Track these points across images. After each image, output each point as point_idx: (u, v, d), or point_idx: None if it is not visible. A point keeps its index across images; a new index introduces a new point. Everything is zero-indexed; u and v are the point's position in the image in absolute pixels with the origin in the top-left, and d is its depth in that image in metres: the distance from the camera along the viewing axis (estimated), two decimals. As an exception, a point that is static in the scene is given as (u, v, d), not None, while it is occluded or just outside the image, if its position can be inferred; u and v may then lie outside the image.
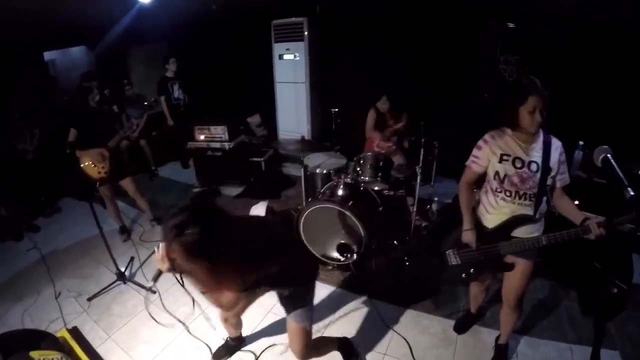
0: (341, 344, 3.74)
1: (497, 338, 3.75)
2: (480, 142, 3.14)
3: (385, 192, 5.32)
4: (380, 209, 5.15)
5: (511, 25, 6.13)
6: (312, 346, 3.22)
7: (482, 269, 3.39)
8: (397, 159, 5.66)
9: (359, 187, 5.12)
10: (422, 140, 4.95)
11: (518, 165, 2.94)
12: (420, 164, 4.97)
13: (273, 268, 2.62)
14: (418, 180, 5.07)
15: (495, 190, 3.09)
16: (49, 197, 7.45)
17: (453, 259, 3.48)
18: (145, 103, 5.62)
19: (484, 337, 3.96)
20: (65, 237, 6.38)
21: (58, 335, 4.14)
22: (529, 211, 3.00)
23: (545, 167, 2.89)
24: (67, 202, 7.61)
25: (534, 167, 2.91)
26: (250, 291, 2.79)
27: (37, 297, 4.96)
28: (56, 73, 9.14)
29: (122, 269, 5.08)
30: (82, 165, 5.43)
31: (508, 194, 3.01)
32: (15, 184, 6.41)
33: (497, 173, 3.02)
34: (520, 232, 3.07)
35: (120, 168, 5.73)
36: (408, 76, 7.04)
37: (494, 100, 6.52)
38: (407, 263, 5.13)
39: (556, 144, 2.94)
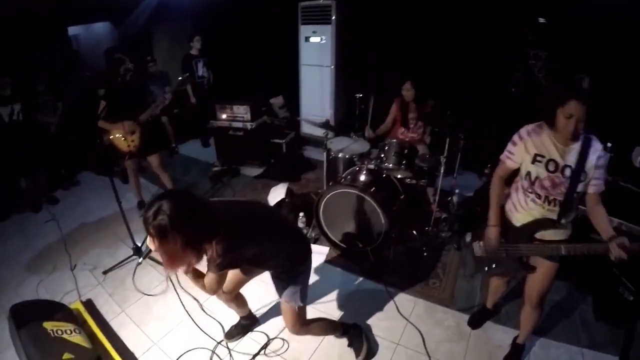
0: (345, 329, 3.74)
1: (516, 337, 3.66)
2: (515, 138, 2.97)
3: (407, 180, 5.25)
4: (402, 197, 5.09)
5: (542, 20, 5.98)
6: (304, 324, 3.31)
7: (504, 266, 3.32)
8: (421, 148, 5.55)
9: (382, 174, 5.06)
10: (448, 130, 4.82)
11: (551, 168, 2.78)
12: (445, 154, 4.85)
13: (252, 250, 2.68)
14: (442, 171, 4.95)
15: (526, 190, 2.97)
16: (69, 170, 7.46)
17: (479, 250, 3.43)
18: (180, 78, 5.55)
19: (497, 335, 3.89)
20: (83, 210, 6.40)
21: (72, 307, 4.16)
22: (554, 216, 2.88)
23: (578, 172, 2.70)
24: (87, 176, 7.65)
25: (567, 172, 2.73)
26: (229, 270, 2.80)
27: (52, 269, 4.99)
28: (79, 48, 9.13)
29: (139, 244, 5.03)
30: (111, 137, 5.40)
31: (537, 196, 2.90)
32: (37, 156, 6.40)
33: (528, 173, 2.89)
34: (544, 235, 2.97)
35: (150, 143, 5.69)
36: (435, 66, 6.90)
37: (522, 95, 6.38)
38: (425, 254, 5.06)
39: (596, 147, 2.70)
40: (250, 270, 3.28)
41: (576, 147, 2.72)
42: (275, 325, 4.05)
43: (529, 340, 3.65)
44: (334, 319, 3.95)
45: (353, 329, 3.76)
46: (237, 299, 3.70)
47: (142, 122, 5.37)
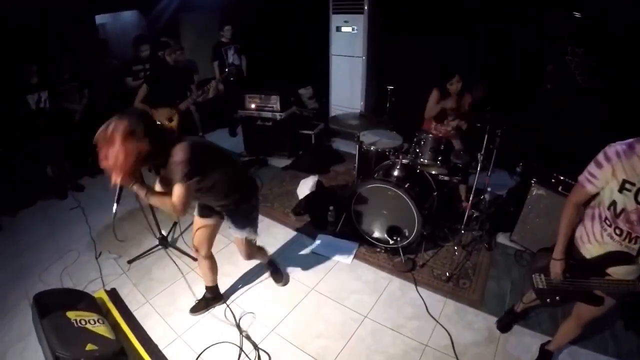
0: (270, 262, 4.53)
1: (545, 343, 3.56)
2: (600, 158, 2.50)
3: (440, 177, 5.13)
4: (435, 194, 5.01)
5: (577, 14, 5.78)
6: (253, 252, 3.97)
7: (568, 299, 3.03)
8: (456, 144, 5.41)
9: (416, 169, 4.97)
10: (487, 126, 4.67)
11: None
12: (483, 151, 4.71)
13: (209, 163, 3.01)
14: (478, 168, 4.82)
15: (604, 221, 2.58)
16: (97, 158, 7.42)
17: (539, 283, 3.11)
18: (227, 70, 5.46)
19: (527, 340, 3.79)
20: (110, 198, 6.30)
21: (96, 295, 4.17)
22: (632, 252, 2.51)
23: None
24: (114, 164, 7.57)
25: None
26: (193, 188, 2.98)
27: (77, 256, 4.99)
28: (106, 37, 9.13)
29: (165, 234, 5.02)
30: None
31: (618, 232, 2.51)
32: (63, 143, 6.42)
33: (613, 203, 2.48)
34: (617, 271, 2.63)
35: (185, 132, 5.56)
36: (470, 59, 6.75)
37: (558, 92, 6.20)
38: (456, 253, 4.97)
39: None
40: (210, 210, 3.61)
41: None
42: (299, 322, 4.01)
43: (560, 349, 3.58)
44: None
45: (275, 265, 4.56)
46: (211, 262, 3.99)
47: (181, 110, 5.30)
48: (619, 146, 2.43)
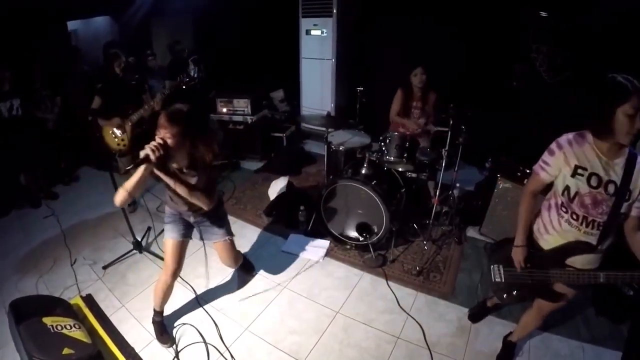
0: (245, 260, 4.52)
1: (509, 334, 3.59)
2: (553, 146, 2.61)
3: (408, 174, 5.20)
4: (403, 190, 5.09)
5: (543, 14, 5.93)
6: (238, 253, 4.15)
7: (526, 293, 3.04)
8: (422, 142, 5.51)
9: (383, 167, 5.04)
10: (450, 122, 4.76)
11: (594, 183, 2.45)
12: (447, 147, 4.80)
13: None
14: (443, 164, 4.91)
15: (560, 208, 2.66)
16: (69, 165, 7.44)
17: (497, 275, 3.17)
18: (180, 76, 5.44)
19: (498, 329, 3.86)
20: (83, 205, 6.37)
21: (72, 302, 4.17)
22: (592, 240, 2.57)
23: (624, 190, 2.40)
24: (86, 171, 7.63)
25: (611, 188, 2.43)
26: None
27: (52, 264, 4.96)
28: (78, 43, 9.10)
29: (139, 239, 5.05)
30: (102, 134, 5.33)
31: (575, 217, 2.58)
32: (35, 152, 6.38)
33: (567, 188, 2.56)
34: (577, 262, 2.67)
35: (142, 142, 5.54)
36: (437, 59, 6.80)
37: (524, 89, 6.34)
38: (425, 247, 5.06)
39: None
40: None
41: (620, 161, 2.42)
42: (274, 323, 4.06)
43: (523, 339, 3.65)
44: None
45: (247, 260, 4.57)
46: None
47: (133, 121, 5.29)
48: (570, 135, 2.57)
